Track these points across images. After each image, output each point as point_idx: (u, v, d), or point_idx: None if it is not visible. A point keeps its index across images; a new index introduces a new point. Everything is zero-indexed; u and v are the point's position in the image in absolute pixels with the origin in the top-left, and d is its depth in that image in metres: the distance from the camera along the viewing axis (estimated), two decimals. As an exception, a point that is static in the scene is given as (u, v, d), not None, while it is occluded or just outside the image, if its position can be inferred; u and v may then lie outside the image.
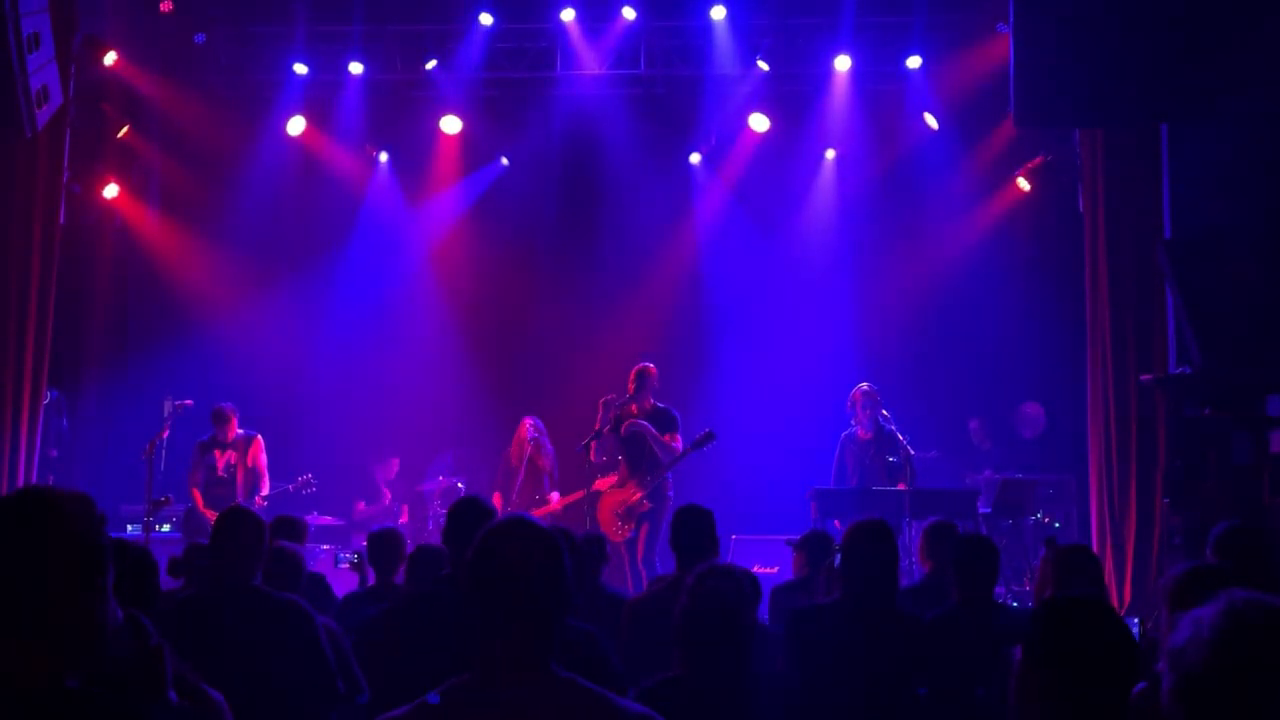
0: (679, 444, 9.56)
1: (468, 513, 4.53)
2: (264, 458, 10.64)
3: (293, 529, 6.35)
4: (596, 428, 9.61)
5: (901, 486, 9.58)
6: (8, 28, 8.29)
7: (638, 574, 9.23)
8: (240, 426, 10.71)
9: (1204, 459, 8.21)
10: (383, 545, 6.41)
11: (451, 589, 4.40)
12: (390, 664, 4.43)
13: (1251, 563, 4.73)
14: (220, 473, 10.52)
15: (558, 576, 2.46)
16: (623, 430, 9.68)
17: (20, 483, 9.45)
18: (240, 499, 10.23)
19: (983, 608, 5.06)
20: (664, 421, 9.62)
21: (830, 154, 12.52)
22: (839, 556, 4.90)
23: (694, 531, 5.38)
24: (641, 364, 9.75)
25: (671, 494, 9.61)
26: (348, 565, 8.13)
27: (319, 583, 6.45)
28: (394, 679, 4.29)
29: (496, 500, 10.87)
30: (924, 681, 4.59)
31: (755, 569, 8.74)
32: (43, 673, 2.12)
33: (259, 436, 10.68)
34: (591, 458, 9.52)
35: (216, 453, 10.57)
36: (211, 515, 10.11)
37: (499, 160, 12.93)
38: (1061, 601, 2.61)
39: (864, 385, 10.07)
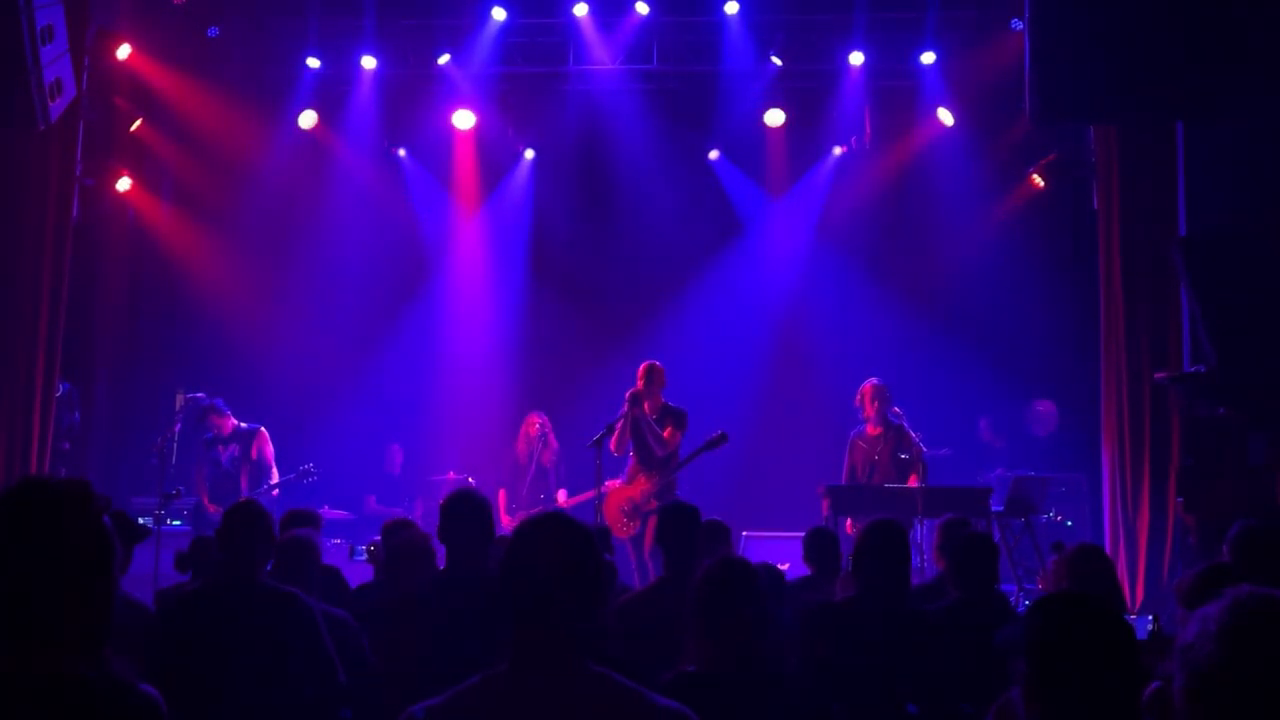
0: (676, 439, 9.50)
1: (460, 507, 4.52)
2: (269, 450, 10.64)
3: (307, 522, 6.33)
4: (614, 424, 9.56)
5: (913, 484, 9.55)
6: (21, 20, 8.30)
7: (644, 569, 9.20)
8: (241, 420, 10.71)
9: (1218, 458, 8.17)
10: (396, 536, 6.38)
11: (445, 587, 4.39)
12: (389, 659, 4.43)
13: (1269, 562, 4.70)
14: (224, 465, 10.54)
15: (592, 571, 2.49)
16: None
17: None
18: (244, 492, 10.25)
19: (981, 606, 5.04)
20: (672, 418, 9.58)
21: (838, 150, 12.48)
22: (853, 556, 4.90)
23: (679, 529, 5.39)
24: (649, 361, 9.70)
25: (680, 493, 9.56)
26: (365, 558, 8.12)
27: (333, 575, 6.44)
28: (395, 673, 4.29)
29: (502, 497, 10.85)
30: (926, 680, 4.57)
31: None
32: (51, 663, 2.13)
33: (262, 429, 10.68)
34: (614, 450, 9.47)
35: (220, 446, 10.59)
36: (214, 509, 10.14)
37: (517, 154, 12.94)
38: (1055, 600, 2.59)
39: (871, 380, 10.02)
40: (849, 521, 9.54)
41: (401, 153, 12.87)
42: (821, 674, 4.51)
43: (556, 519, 2.55)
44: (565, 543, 2.48)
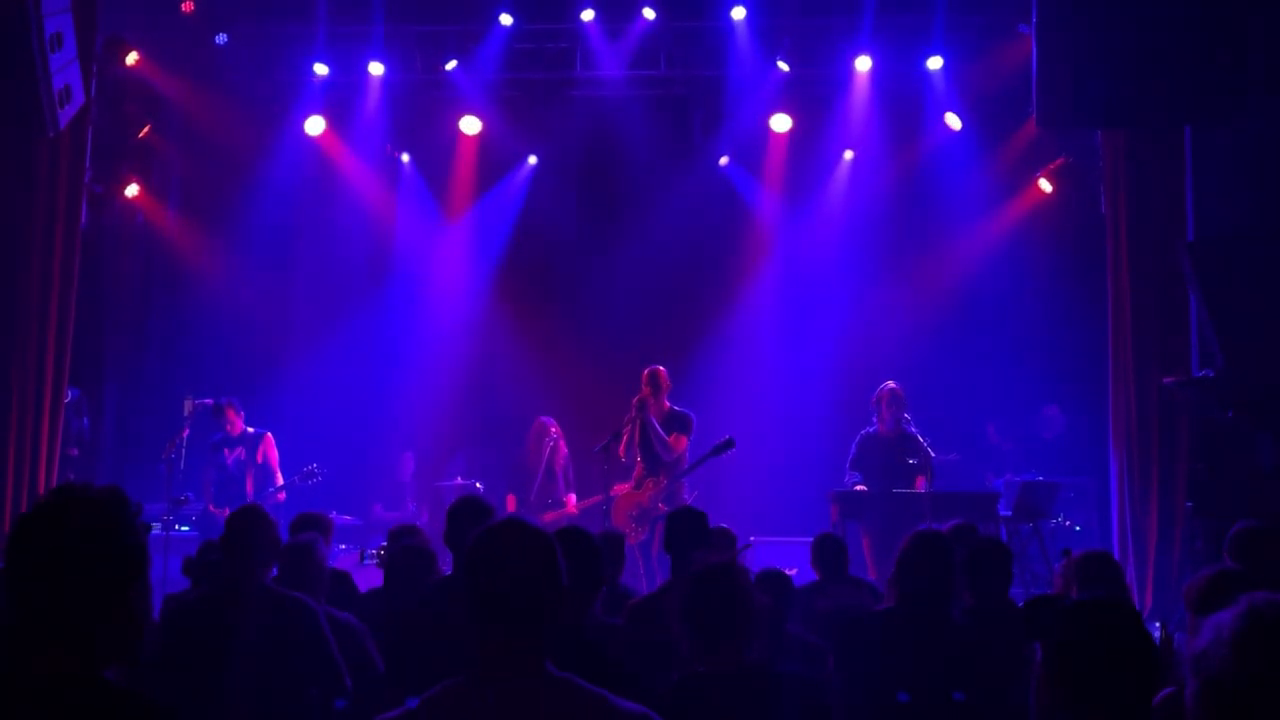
0: (682, 445, 9.51)
1: (466, 513, 4.53)
2: (275, 454, 10.66)
3: (314, 525, 6.33)
4: (621, 430, 9.56)
5: (920, 488, 9.54)
6: (31, 27, 8.33)
7: (652, 575, 9.20)
8: (249, 423, 10.73)
9: (1227, 462, 8.15)
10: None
11: (451, 592, 4.40)
12: (394, 663, 4.43)
13: (1266, 563, 4.70)
14: (230, 469, 10.56)
15: (551, 577, 2.48)
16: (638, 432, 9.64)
17: (41, 482, 9.50)
18: (250, 496, 10.26)
19: (996, 611, 5.04)
20: (678, 424, 9.58)
21: (850, 154, 12.50)
22: (895, 565, 4.92)
23: (686, 534, 5.39)
24: (651, 367, 9.71)
25: (688, 497, 9.56)
26: (374, 562, 8.14)
27: (343, 580, 6.44)
28: (400, 678, 4.29)
29: (511, 502, 10.84)
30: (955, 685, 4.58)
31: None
32: (83, 670, 2.15)
33: (269, 434, 10.70)
34: (621, 456, 9.48)
35: (226, 450, 10.62)
36: (220, 513, 10.15)
37: (522, 160, 12.97)
38: (1084, 605, 2.59)
39: (890, 384, 9.99)
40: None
41: (405, 158, 12.89)
42: (854, 681, 4.53)
43: (516, 525, 2.53)
44: (526, 548, 2.47)
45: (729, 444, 9.44)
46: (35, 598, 2.15)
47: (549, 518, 10.41)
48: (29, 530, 2.19)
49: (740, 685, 3.61)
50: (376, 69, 11.92)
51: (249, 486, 10.48)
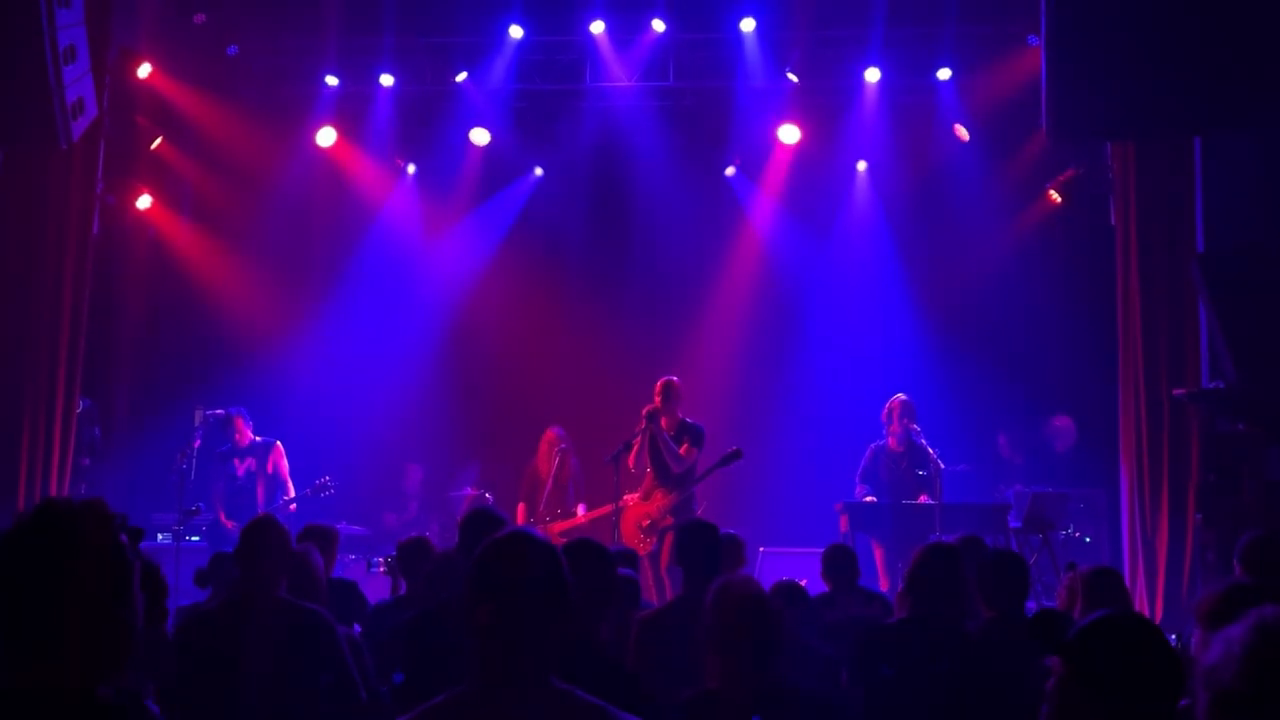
0: (693, 456, 9.50)
1: (479, 525, 4.54)
2: (285, 463, 10.68)
3: (322, 537, 6.35)
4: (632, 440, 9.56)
5: (924, 499, 9.53)
6: (44, 40, 8.37)
7: (661, 586, 9.19)
8: (258, 433, 10.75)
9: (1237, 474, 8.14)
10: (412, 555, 6.41)
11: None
12: (414, 673, 4.44)
13: (1276, 574, 4.70)
14: (240, 479, 10.58)
15: (556, 589, 2.47)
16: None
17: (53, 491, 9.53)
18: (260, 506, 10.27)
19: (1013, 624, 5.03)
20: (689, 435, 9.57)
21: (861, 166, 12.51)
22: (907, 578, 4.92)
23: (699, 547, 5.38)
24: (666, 377, 9.71)
25: (697, 507, 9.54)
26: (382, 569, 8.16)
27: (351, 590, 6.45)
28: (417, 688, 4.30)
29: (521, 512, 10.84)
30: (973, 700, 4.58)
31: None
32: (74, 685, 2.14)
33: (278, 443, 10.72)
34: (631, 466, 9.48)
35: (235, 460, 10.64)
36: (231, 525, 10.14)
37: (531, 171, 12.99)
38: (1107, 621, 2.57)
39: (900, 396, 10.00)
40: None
41: (410, 169, 12.92)
42: (874, 695, 4.54)
43: (522, 536, 2.53)
44: (529, 560, 2.46)
45: (737, 454, 9.43)
46: (22, 612, 2.14)
47: (559, 528, 10.41)
48: (13, 545, 2.18)
49: (757, 701, 3.61)
50: (387, 80, 11.96)
51: (260, 497, 10.50)
